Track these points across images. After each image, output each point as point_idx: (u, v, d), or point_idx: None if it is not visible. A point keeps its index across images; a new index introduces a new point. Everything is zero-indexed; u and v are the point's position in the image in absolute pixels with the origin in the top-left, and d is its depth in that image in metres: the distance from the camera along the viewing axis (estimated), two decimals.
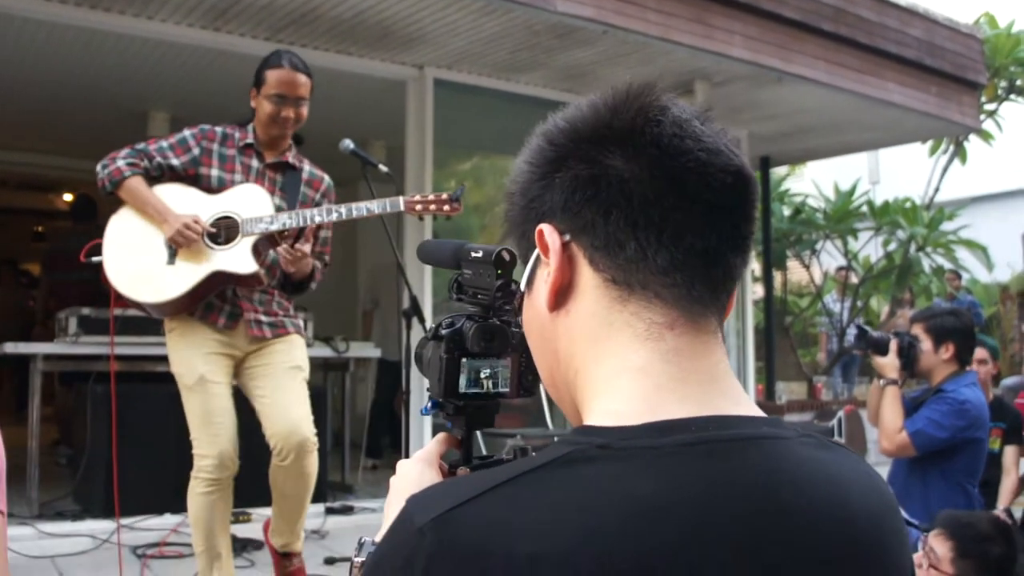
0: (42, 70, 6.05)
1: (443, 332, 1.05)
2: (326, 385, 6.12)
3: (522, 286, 0.94)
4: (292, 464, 3.23)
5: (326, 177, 3.55)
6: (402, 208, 3.29)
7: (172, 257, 3.23)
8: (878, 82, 6.84)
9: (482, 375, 1.06)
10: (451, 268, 1.11)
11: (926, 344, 3.66)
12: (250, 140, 3.39)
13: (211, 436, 3.19)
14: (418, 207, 3.32)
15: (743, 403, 0.83)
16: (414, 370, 4.43)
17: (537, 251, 0.88)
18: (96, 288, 6.84)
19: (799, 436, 0.82)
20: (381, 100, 6.60)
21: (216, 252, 3.23)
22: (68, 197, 10.07)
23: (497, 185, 7.17)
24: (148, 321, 4.38)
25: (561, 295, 0.87)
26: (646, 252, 0.82)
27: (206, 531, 3.22)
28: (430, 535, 0.71)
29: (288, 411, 3.25)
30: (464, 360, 1.05)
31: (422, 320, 3.73)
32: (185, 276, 3.21)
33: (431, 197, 3.34)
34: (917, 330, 3.70)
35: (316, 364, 6.08)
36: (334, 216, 3.24)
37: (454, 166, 6.84)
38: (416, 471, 1.02)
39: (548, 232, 0.86)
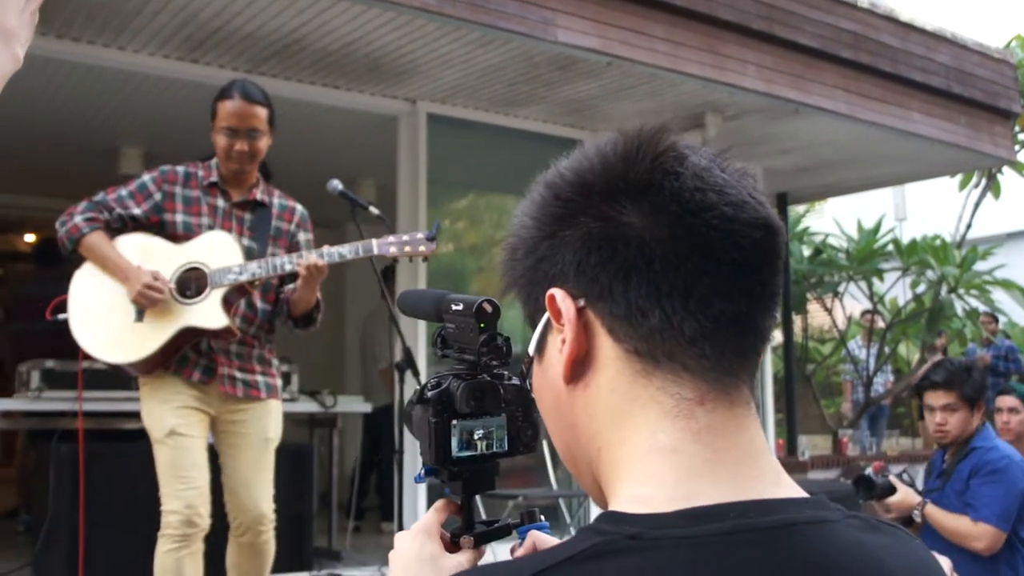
0: (3, 103, 6.09)
1: (429, 394, 1.05)
2: (312, 442, 6.11)
3: (531, 350, 0.92)
4: (249, 540, 3.41)
5: (298, 207, 3.61)
6: (375, 251, 3.31)
7: (140, 315, 3.30)
8: (903, 112, 6.90)
9: (475, 436, 1.05)
10: (433, 321, 1.11)
11: (962, 412, 3.66)
12: (214, 178, 3.45)
13: (178, 490, 3.24)
14: (392, 249, 3.33)
15: (782, 483, 0.82)
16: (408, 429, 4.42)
17: (547, 315, 0.87)
18: (61, 339, 6.87)
19: (845, 518, 0.80)
20: (371, 136, 6.67)
21: (185, 307, 3.29)
22: (31, 238, 10.10)
23: (495, 224, 7.21)
24: (117, 375, 4.38)
25: (578, 367, 0.85)
26: (672, 320, 0.80)
27: None
28: None
29: (250, 488, 3.41)
30: (455, 422, 1.05)
31: (416, 373, 3.76)
32: (154, 334, 3.28)
33: (405, 238, 3.35)
34: (946, 399, 3.66)
35: (301, 420, 6.09)
36: (303, 262, 3.27)
37: (449, 205, 6.89)
38: (416, 545, 1.02)
39: (561, 298, 0.85)
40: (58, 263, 7.06)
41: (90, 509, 4.66)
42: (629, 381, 0.83)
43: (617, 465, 0.83)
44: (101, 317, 3.32)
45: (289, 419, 5.24)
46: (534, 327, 0.91)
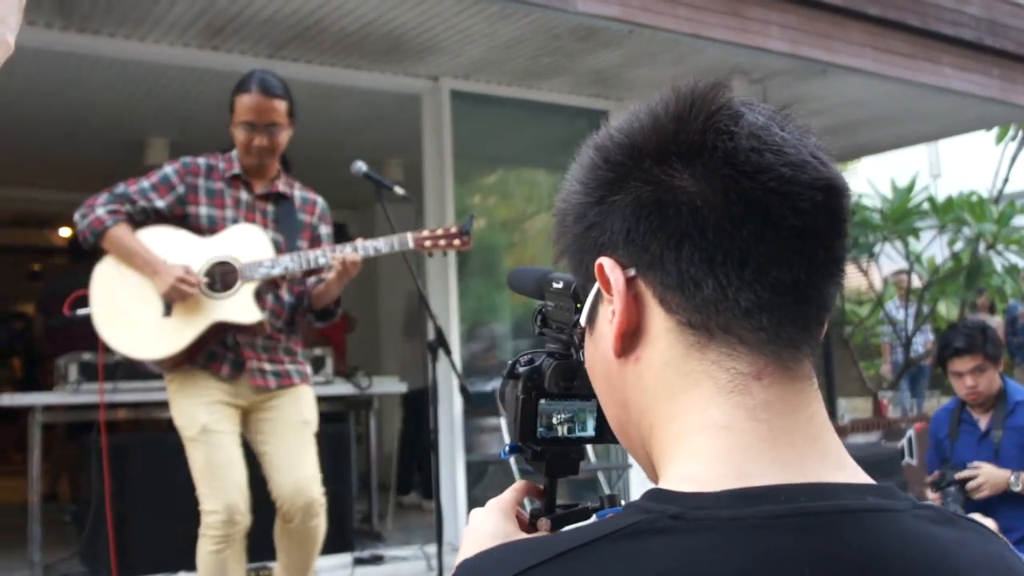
0: (31, 100, 6.15)
1: (520, 370, 1.03)
2: (349, 424, 6.15)
3: (582, 321, 0.89)
4: (298, 527, 3.33)
5: (319, 199, 3.60)
6: (411, 245, 3.34)
7: (168, 309, 3.25)
8: (933, 67, 6.79)
9: (555, 420, 1.03)
10: (536, 299, 1.09)
11: (989, 371, 3.74)
12: (236, 170, 3.43)
13: (216, 489, 3.21)
14: (427, 243, 3.35)
15: (845, 466, 0.78)
16: (442, 406, 4.48)
17: (598, 285, 0.84)
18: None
19: (914, 508, 0.75)
20: (395, 116, 6.65)
21: (215, 301, 3.26)
22: (66, 233, 10.22)
23: (525, 198, 7.20)
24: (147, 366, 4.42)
25: (629, 339, 0.82)
26: (726, 291, 0.77)
27: None
28: None
29: (294, 471, 3.33)
30: (542, 401, 1.03)
31: (448, 352, 3.75)
32: (184, 329, 3.23)
33: (440, 232, 3.38)
34: (973, 362, 3.74)
35: (338, 402, 6.13)
36: (339, 256, 3.27)
37: (477, 181, 6.87)
38: (491, 522, 1.00)
39: (610, 267, 0.81)
40: (91, 255, 7.17)
41: (130, 497, 4.73)
42: (682, 355, 0.79)
43: (668, 442, 0.80)
44: (127, 312, 3.28)
45: (326, 401, 5.28)
46: (585, 297, 0.88)
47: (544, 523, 1.04)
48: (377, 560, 5.37)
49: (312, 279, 3.47)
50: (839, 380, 9.16)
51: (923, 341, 11.02)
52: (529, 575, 0.70)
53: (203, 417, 3.26)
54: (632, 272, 0.81)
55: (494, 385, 6.23)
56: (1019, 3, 7.44)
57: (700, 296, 0.77)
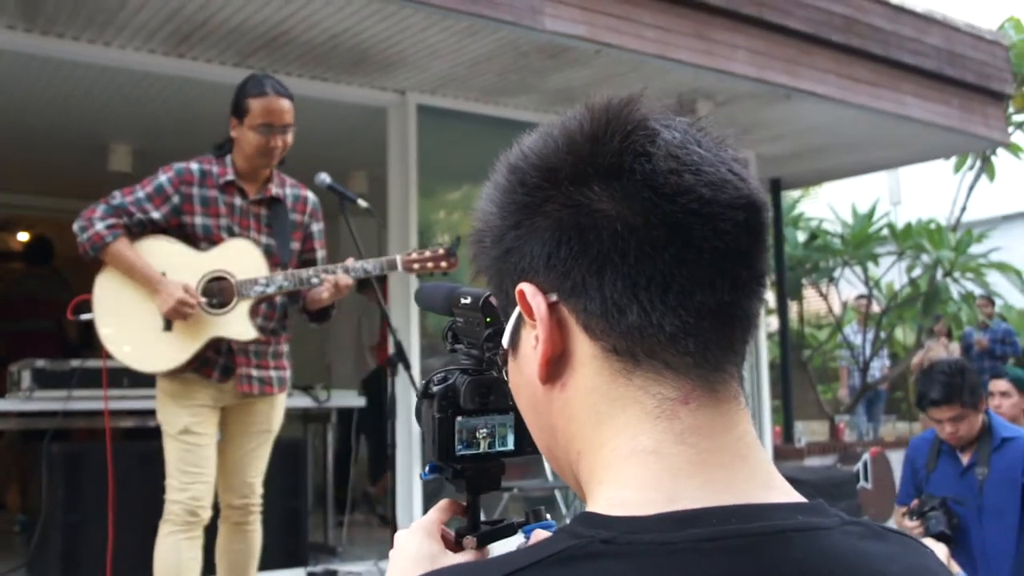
0: None
1: (434, 389, 1.03)
2: (306, 437, 6.11)
3: (504, 343, 0.88)
4: (237, 522, 3.53)
5: (310, 195, 3.68)
6: (399, 268, 3.45)
7: (168, 324, 3.37)
8: (895, 95, 6.90)
9: (478, 435, 1.03)
10: (446, 315, 1.09)
11: (969, 417, 3.60)
12: (231, 176, 3.47)
13: (184, 483, 3.33)
14: (415, 266, 3.46)
15: (775, 485, 0.77)
16: (400, 423, 4.46)
17: (519, 309, 0.82)
18: (53, 338, 6.87)
19: (843, 524, 0.75)
20: (361, 128, 6.66)
21: (213, 317, 3.37)
22: (24, 237, 10.09)
23: None
24: (110, 373, 4.35)
25: (554, 366, 0.81)
26: (651, 317, 0.75)
27: None
28: None
29: (245, 469, 3.54)
30: (459, 419, 1.02)
31: (408, 367, 3.75)
32: (183, 345, 3.36)
33: (427, 254, 3.50)
34: (951, 412, 3.58)
35: (295, 415, 6.08)
36: (331, 279, 3.38)
37: (441, 196, 6.88)
38: (415, 543, 1.00)
39: (531, 294, 0.80)
40: (49, 259, 7.08)
41: (84, 508, 4.67)
42: (608, 381, 0.78)
43: (597, 469, 0.79)
44: (126, 323, 3.39)
45: (284, 415, 5.25)
46: (507, 319, 0.86)
47: (470, 540, 1.04)
48: (331, 575, 5.33)
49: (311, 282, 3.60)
50: (796, 403, 9.24)
51: (880, 366, 11.15)
52: None
53: (186, 419, 3.38)
54: (554, 297, 0.79)
55: None
56: (978, 35, 7.59)
57: (624, 322, 0.76)
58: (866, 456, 7.92)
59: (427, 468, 1.07)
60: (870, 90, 6.70)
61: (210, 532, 3.48)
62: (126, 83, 5.79)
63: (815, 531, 0.73)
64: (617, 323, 0.76)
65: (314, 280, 3.39)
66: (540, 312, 0.79)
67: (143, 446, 3.80)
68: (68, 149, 7.17)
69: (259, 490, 3.57)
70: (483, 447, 1.04)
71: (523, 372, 0.85)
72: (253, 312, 3.42)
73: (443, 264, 3.49)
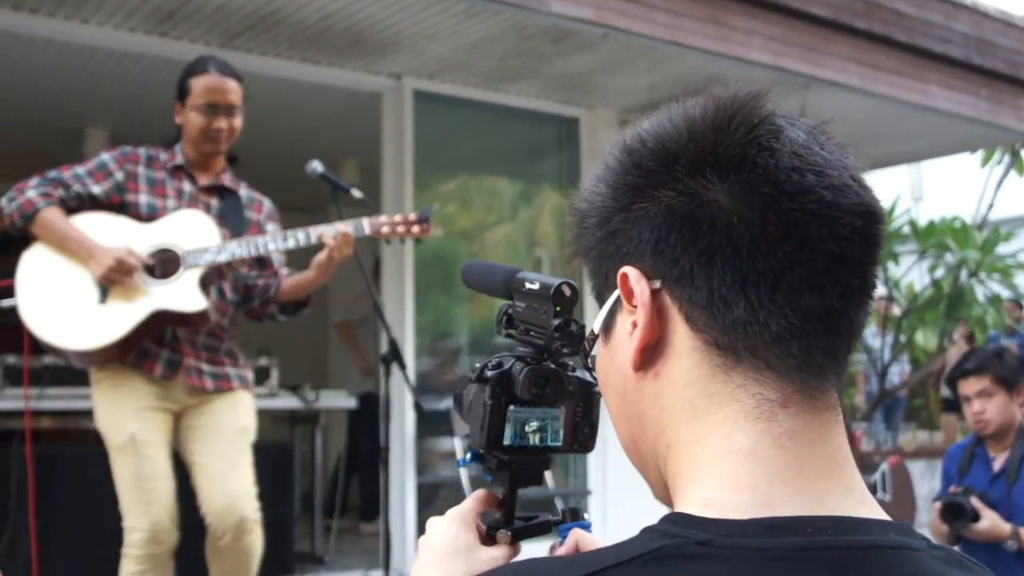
0: None
1: (488, 374, 1.04)
2: (293, 440, 6.11)
3: (596, 327, 0.90)
4: (229, 545, 3.25)
5: (266, 200, 3.60)
6: (367, 231, 3.34)
7: (103, 296, 3.19)
8: (919, 85, 6.89)
9: (528, 428, 1.04)
10: (501, 297, 1.10)
11: (999, 397, 3.61)
12: (179, 161, 3.40)
13: (142, 505, 3.16)
14: (384, 229, 3.36)
15: (867, 501, 0.80)
16: (395, 425, 4.46)
17: (618, 293, 0.85)
18: (20, 333, 6.84)
19: (929, 548, 0.78)
20: (354, 114, 6.64)
21: (155, 287, 3.19)
22: None
23: (486, 207, 7.20)
24: (78, 371, 4.33)
25: (649, 353, 0.83)
26: (757, 314, 0.77)
27: None
28: None
29: (226, 484, 3.26)
30: (511, 408, 1.04)
31: (402, 365, 3.75)
32: (121, 317, 3.16)
33: (398, 218, 3.39)
34: (980, 384, 3.61)
35: (282, 417, 6.09)
36: (290, 243, 3.27)
37: (437, 187, 6.87)
38: (451, 533, 1.01)
39: (635, 278, 0.82)
40: (16, 248, 7.06)
41: (53, 513, 4.66)
42: (707, 375, 0.80)
43: (688, 464, 0.81)
44: (58, 300, 3.20)
45: (269, 416, 5.25)
46: (601, 303, 0.88)
47: (504, 535, 1.05)
48: None
49: (286, 269, 3.48)
50: None
51: (899, 371, 11.14)
52: None
53: (131, 425, 3.19)
54: (658, 284, 0.81)
55: (449, 403, 6.22)
56: (1009, 22, 7.57)
57: (729, 316, 0.78)
58: (884, 466, 7.92)
59: (468, 456, 1.09)
60: (893, 79, 6.69)
61: (201, 534, 3.33)
62: (104, 63, 5.78)
63: (908, 551, 0.75)
64: (722, 316, 0.78)
65: (271, 245, 3.25)
66: (643, 297, 0.81)
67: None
68: (41, 133, 7.15)
69: (253, 504, 3.30)
70: (533, 440, 1.05)
71: (615, 358, 0.87)
72: (204, 289, 3.24)
73: (415, 229, 3.39)
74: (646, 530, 0.76)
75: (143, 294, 3.17)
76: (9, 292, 3.23)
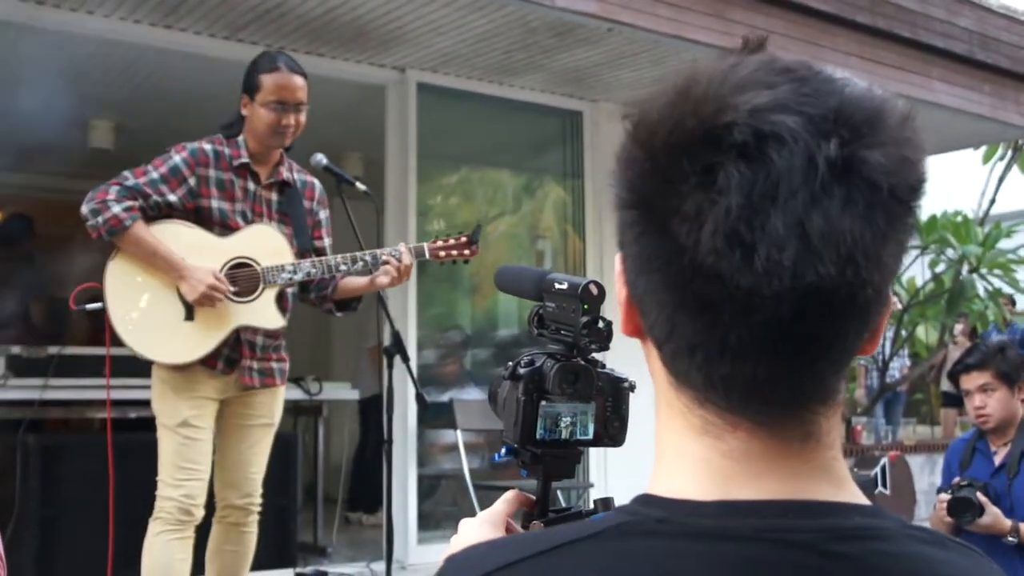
0: None
1: (521, 371, 1.08)
2: (296, 431, 6.12)
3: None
4: (234, 523, 3.52)
5: (316, 182, 3.69)
6: (427, 256, 3.54)
7: (189, 313, 3.35)
8: (922, 80, 6.88)
9: (561, 422, 1.08)
10: (532, 299, 1.13)
11: (1000, 392, 3.63)
12: (245, 159, 3.47)
13: (179, 479, 3.31)
14: (441, 253, 3.57)
15: (843, 488, 0.78)
16: (397, 417, 4.48)
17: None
18: (27, 325, 6.86)
19: (904, 528, 0.76)
20: (358, 107, 6.65)
21: (239, 306, 3.37)
22: None
23: (489, 200, 7.21)
24: (83, 361, 4.35)
25: (633, 334, 0.83)
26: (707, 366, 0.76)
27: None
28: None
29: (247, 468, 3.52)
30: (543, 403, 1.07)
31: (405, 358, 3.77)
32: (208, 335, 3.35)
33: (452, 241, 3.59)
34: (981, 379, 3.63)
35: (285, 408, 6.07)
36: (358, 266, 3.43)
37: (440, 180, 6.88)
38: (480, 535, 1.01)
39: (617, 272, 0.83)
40: (27, 238, 7.07)
41: (60, 504, 4.67)
42: (667, 384, 0.80)
43: (661, 447, 0.82)
44: (147, 313, 3.36)
45: None
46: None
47: (537, 525, 1.09)
48: None
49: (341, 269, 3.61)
50: None
51: (900, 366, 11.14)
52: (512, 570, 0.74)
53: (186, 412, 3.35)
54: (626, 291, 0.81)
55: (451, 395, 6.24)
56: (1013, 17, 7.56)
57: (669, 349, 0.78)
58: (884, 460, 7.93)
59: (503, 450, 1.12)
60: (896, 74, 6.69)
61: (201, 530, 3.46)
62: (109, 55, 5.79)
63: (875, 530, 0.75)
64: (665, 345, 0.78)
65: (343, 267, 3.42)
66: (620, 296, 0.82)
67: (124, 439, 3.79)
68: (46, 124, 7.14)
69: (260, 489, 3.56)
70: (564, 435, 1.09)
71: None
72: (280, 303, 3.45)
73: (466, 252, 3.60)
74: (617, 509, 0.79)
75: (228, 312, 3.36)
76: (89, 296, 3.40)
